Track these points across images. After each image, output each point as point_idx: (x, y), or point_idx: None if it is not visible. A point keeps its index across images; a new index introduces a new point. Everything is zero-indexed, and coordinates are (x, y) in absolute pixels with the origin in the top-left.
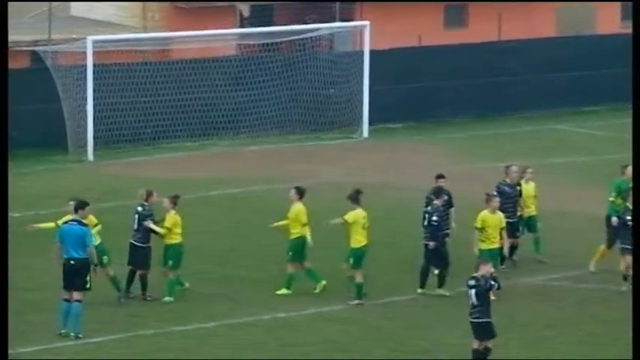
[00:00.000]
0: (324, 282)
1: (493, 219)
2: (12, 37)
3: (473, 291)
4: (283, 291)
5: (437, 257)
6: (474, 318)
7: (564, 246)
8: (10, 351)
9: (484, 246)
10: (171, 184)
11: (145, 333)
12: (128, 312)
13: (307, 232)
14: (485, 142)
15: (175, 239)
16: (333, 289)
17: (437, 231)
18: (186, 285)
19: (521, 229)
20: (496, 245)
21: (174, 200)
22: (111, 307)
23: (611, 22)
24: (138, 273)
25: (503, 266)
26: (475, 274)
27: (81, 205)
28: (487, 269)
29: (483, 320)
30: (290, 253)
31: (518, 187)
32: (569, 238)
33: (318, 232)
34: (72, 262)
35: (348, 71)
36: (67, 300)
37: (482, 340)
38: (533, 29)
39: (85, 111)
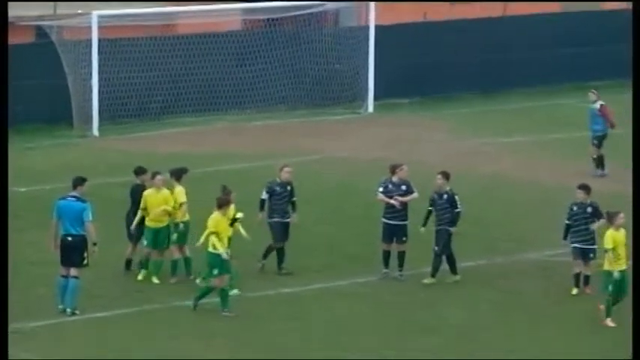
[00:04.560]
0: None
1: (621, 237)
2: (17, 11)
3: None
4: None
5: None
6: None
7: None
8: (17, 325)
9: (616, 267)
10: (177, 159)
11: (151, 308)
12: (134, 287)
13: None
14: (490, 117)
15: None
16: (338, 265)
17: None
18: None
19: None
20: (623, 266)
21: (179, 175)
22: (118, 283)
23: None
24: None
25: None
26: None
27: (80, 182)
28: None
29: None
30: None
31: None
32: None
33: (321, 208)
34: (69, 238)
35: (354, 46)
36: (64, 276)
37: None
38: (539, 5)
39: (90, 86)
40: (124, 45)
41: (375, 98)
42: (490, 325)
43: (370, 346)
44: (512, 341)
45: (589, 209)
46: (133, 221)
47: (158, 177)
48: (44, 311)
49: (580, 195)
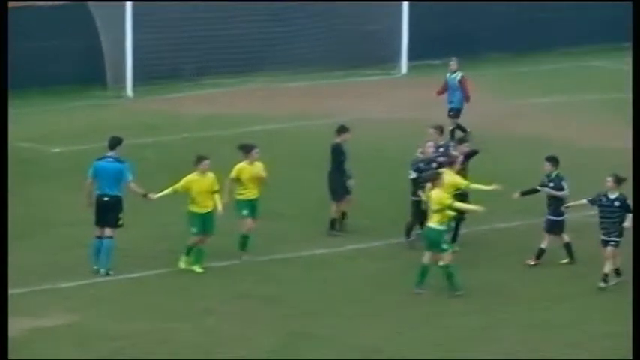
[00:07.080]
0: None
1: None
2: None
3: None
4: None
5: None
6: None
7: (599, 183)
8: (52, 286)
9: None
10: (211, 120)
11: (185, 268)
12: (168, 247)
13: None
14: (524, 78)
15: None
16: (370, 226)
17: None
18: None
19: None
20: None
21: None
22: (151, 244)
23: None
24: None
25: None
26: None
27: (118, 142)
28: None
29: None
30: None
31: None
32: (604, 174)
33: (354, 170)
34: (105, 198)
35: (388, 7)
36: (99, 237)
37: None
38: None
39: (124, 47)
40: (158, 5)
41: (409, 59)
42: (524, 284)
43: (404, 304)
44: (545, 300)
45: (551, 184)
46: (334, 180)
47: (205, 162)
48: (79, 272)
49: (547, 167)
